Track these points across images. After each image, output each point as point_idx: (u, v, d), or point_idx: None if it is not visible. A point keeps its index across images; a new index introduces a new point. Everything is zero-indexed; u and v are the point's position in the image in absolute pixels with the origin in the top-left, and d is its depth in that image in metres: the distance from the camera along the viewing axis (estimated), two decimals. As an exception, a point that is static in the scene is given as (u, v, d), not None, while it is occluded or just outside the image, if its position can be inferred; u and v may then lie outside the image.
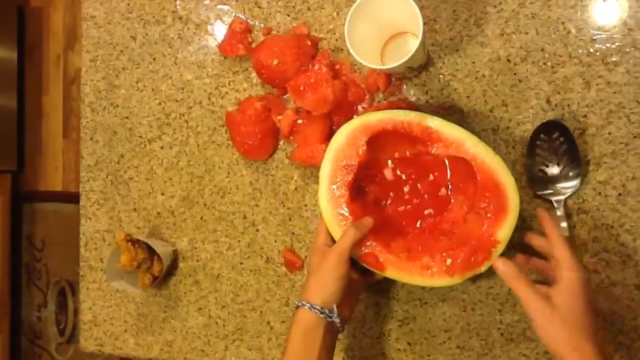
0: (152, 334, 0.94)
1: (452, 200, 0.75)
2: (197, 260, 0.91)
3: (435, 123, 0.71)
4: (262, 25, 0.88)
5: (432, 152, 0.72)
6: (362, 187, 0.77)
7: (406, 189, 0.77)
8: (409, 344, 0.81)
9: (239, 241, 0.89)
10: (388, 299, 0.82)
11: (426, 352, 0.80)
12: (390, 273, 0.71)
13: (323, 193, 0.74)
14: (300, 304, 0.68)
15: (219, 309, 0.90)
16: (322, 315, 0.67)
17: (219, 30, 0.90)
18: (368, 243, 0.72)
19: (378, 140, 0.74)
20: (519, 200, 0.68)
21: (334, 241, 0.73)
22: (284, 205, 0.87)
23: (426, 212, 0.77)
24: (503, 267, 0.65)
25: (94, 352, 1.00)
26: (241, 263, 0.89)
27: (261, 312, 0.88)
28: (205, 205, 0.91)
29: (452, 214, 0.74)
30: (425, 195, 0.76)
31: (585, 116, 0.73)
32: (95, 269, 0.98)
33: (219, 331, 0.90)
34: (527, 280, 0.63)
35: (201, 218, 0.91)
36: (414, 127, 0.71)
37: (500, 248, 0.68)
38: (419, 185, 0.77)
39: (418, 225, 0.76)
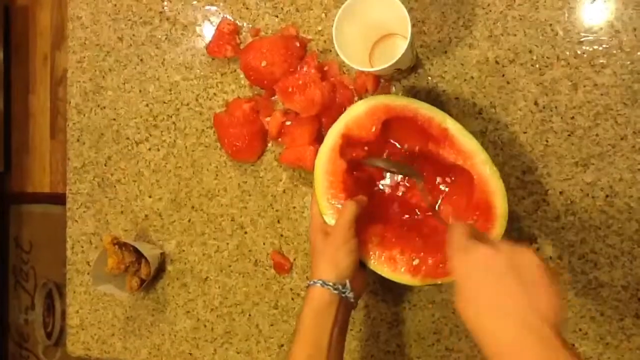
0: (140, 337, 0.94)
1: (441, 208, 0.74)
2: (185, 263, 0.91)
3: (453, 127, 0.69)
4: (250, 26, 0.87)
5: (442, 155, 0.71)
6: (360, 164, 0.76)
7: (401, 180, 0.77)
8: (398, 346, 0.81)
9: (227, 244, 0.89)
10: (377, 302, 0.82)
11: (415, 354, 0.80)
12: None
13: (323, 154, 0.73)
14: (311, 282, 0.67)
15: (208, 312, 0.90)
16: (335, 291, 0.66)
17: (207, 31, 0.90)
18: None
19: (393, 124, 0.73)
20: (504, 230, 0.68)
21: None
22: (272, 207, 0.86)
23: (411, 209, 0.76)
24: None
25: (81, 357, 0.99)
26: (229, 266, 0.88)
27: (250, 315, 0.88)
28: (193, 207, 0.90)
29: (436, 220, 0.74)
30: (418, 194, 0.76)
31: (572, 118, 0.74)
32: (82, 273, 0.97)
33: (207, 334, 0.90)
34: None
35: (189, 220, 0.90)
36: (433, 124, 0.70)
37: None
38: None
39: (400, 218, 0.76)
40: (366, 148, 0.75)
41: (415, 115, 0.70)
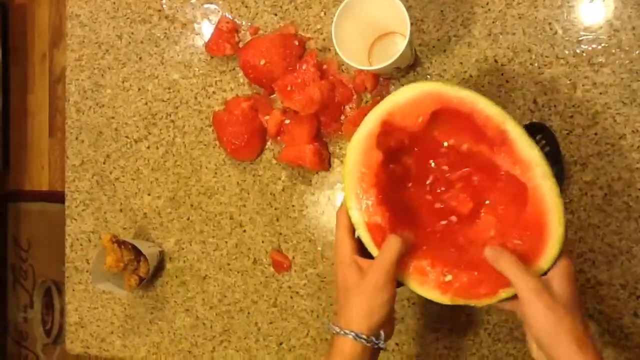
0: (139, 335, 0.94)
1: (482, 218, 0.66)
2: (184, 261, 0.91)
3: (515, 131, 0.60)
4: (249, 24, 0.87)
5: (495, 160, 0.62)
6: (397, 156, 0.67)
7: (441, 181, 0.68)
8: (397, 344, 0.81)
9: (226, 242, 0.89)
10: (376, 300, 0.82)
11: (414, 352, 0.80)
12: None
13: (357, 141, 0.63)
14: (342, 332, 0.59)
15: (206, 310, 0.90)
16: (368, 344, 0.58)
17: (206, 30, 0.90)
18: (379, 214, 0.62)
19: (443, 116, 0.63)
20: (556, 256, 0.58)
21: (360, 245, 0.63)
22: (271, 206, 0.86)
23: (449, 214, 0.67)
24: (493, 251, 0.58)
25: (80, 354, 0.99)
26: (228, 264, 0.88)
27: (249, 313, 0.88)
28: (192, 205, 0.90)
29: (475, 231, 0.65)
30: (458, 198, 0.67)
31: (571, 117, 0.74)
32: (81, 271, 0.97)
33: (206, 332, 0.90)
34: (522, 265, 0.56)
35: (188, 219, 0.90)
36: (491, 124, 0.60)
37: (509, 293, 0.58)
38: (456, 184, 0.67)
39: (433, 223, 0.67)
40: (407, 140, 0.66)
41: (471, 110, 0.61)
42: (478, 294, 0.59)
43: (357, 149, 0.64)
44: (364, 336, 0.58)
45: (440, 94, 0.62)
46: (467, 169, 0.66)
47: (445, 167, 0.67)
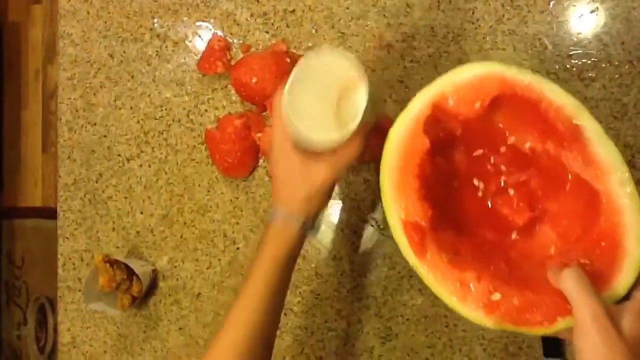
0: (132, 355, 0.93)
1: (540, 231, 0.57)
2: (177, 280, 0.90)
3: (591, 127, 0.50)
4: (241, 42, 0.87)
5: (564, 160, 0.53)
6: (444, 150, 0.58)
7: (495, 183, 0.59)
8: (392, 361, 0.81)
9: (220, 260, 0.88)
10: (370, 316, 0.81)
11: (409, 369, 0.80)
12: (420, 264, 0.53)
13: (402, 124, 0.55)
14: (290, 216, 0.60)
15: (200, 329, 0.89)
16: (305, 230, 0.61)
17: (198, 48, 0.90)
18: (420, 212, 0.53)
19: (505, 104, 0.54)
20: (631, 284, 0.49)
21: None
22: (264, 223, 0.86)
23: (500, 223, 0.59)
24: (556, 268, 0.49)
25: (73, 375, 0.98)
26: (222, 282, 0.88)
27: (243, 331, 0.87)
28: (185, 223, 0.90)
29: (532, 246, 0.57)
30: (514, 205, 0.59)
31: (563, 131, 0.74)
32: (73, 290, 0.96)
33: (199, 351, 0.89)
34: (590, 285, 0.47)
35: (181, 236, 0.90)
36: (562, 116, 0.51)
37: (570, 323, 0.48)
38: (513, 188, 0.59)
39: (482, 231, 0.59)
40: (459, 131, 0.58)
41: (539, 98, 0.52)
42: (531, 320, 0.50)
43: (400, 133, 0.55)
44: (308, 224, 0.60)
45: (503, 76, 0.53)
46: (528, 171, 0.58)
47: (502, 168, 0.59)
